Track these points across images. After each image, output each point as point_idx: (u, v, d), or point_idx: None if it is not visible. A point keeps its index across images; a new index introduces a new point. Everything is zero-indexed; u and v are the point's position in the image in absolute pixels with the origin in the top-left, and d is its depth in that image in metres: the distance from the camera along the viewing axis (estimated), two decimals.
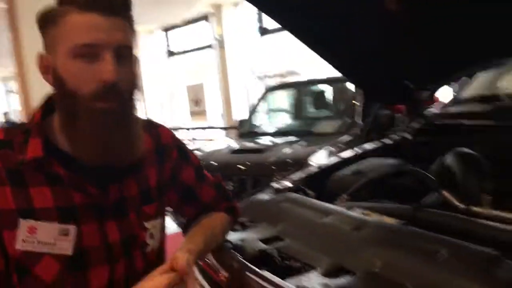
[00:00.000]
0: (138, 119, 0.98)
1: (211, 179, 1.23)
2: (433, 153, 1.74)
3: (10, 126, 1.00)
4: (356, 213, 1.33)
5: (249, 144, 4.71)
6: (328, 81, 5.22)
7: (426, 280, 0.89)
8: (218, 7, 9.34)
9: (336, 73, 5.47)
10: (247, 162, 4.09)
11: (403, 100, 2.18)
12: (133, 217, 1.00)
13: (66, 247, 0.91)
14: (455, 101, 2.31)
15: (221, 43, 9.28)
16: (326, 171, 1.94)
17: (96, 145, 0.90)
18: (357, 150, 2.17)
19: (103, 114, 0.88)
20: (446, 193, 1.42)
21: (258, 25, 8.96)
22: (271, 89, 5.96)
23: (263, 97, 5.77)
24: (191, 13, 9.91)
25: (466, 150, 1.54)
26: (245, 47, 9.12)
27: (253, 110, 5.73)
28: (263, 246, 1.24)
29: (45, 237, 0.90)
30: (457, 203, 1.37)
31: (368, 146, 2.24)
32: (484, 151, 1.56)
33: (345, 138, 4.12)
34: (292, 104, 5.81)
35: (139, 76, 0.99)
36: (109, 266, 0.96)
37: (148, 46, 11.26)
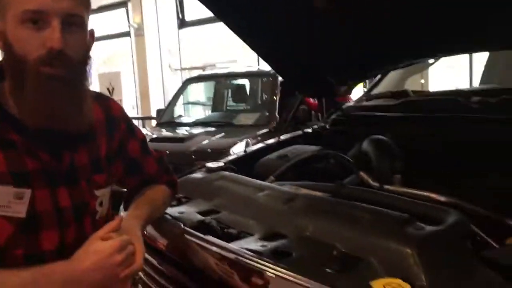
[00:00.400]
0: (87, 88, 1.01)
1: (154, 153, 1.29)
2: (348, 141, 1.91)
3: None
4: (287, 188, 1.45)
5: (169, 133, 4.72)
6: (248, 74, 5.35)
7: (352, 240, 1.03)
8: None
9: (254, 68, 5.58)
10: (167, 151, 4.09)
11: (324, 93, 2.35)
12: (84, 185, 1.04)
13: (20, 210, 0.93)
14: (368, 96, 2.53)
15: (138, 32, 9.07)
16: (252, 156, 2.05)
17: (42, 110, 0.92)
18: (281, 138, 2.31)
19: (49, 80, 0.91)
20: (363, 174, 1.60)
21: (177, 16, 8.88)
22: (190, 80, 5.95)
23: (182, 88, 5.76)
24: None
25: (380, 137, 1.73)
26: (163, 37, 9.01)
27: (172, 101, 5.70)
28: (201, 217, 1.32)
29: (0, 200, 0.91)
30: (372, 182, 1.55)
31: (291, 134, 2.39)
32: (394, 138, 1.76)
33: (264, 130, 4.29)
34: (212, 96, 5.86)
35: (90, 46, 1.03)
36: (60, 230, 0.99)
37: None
